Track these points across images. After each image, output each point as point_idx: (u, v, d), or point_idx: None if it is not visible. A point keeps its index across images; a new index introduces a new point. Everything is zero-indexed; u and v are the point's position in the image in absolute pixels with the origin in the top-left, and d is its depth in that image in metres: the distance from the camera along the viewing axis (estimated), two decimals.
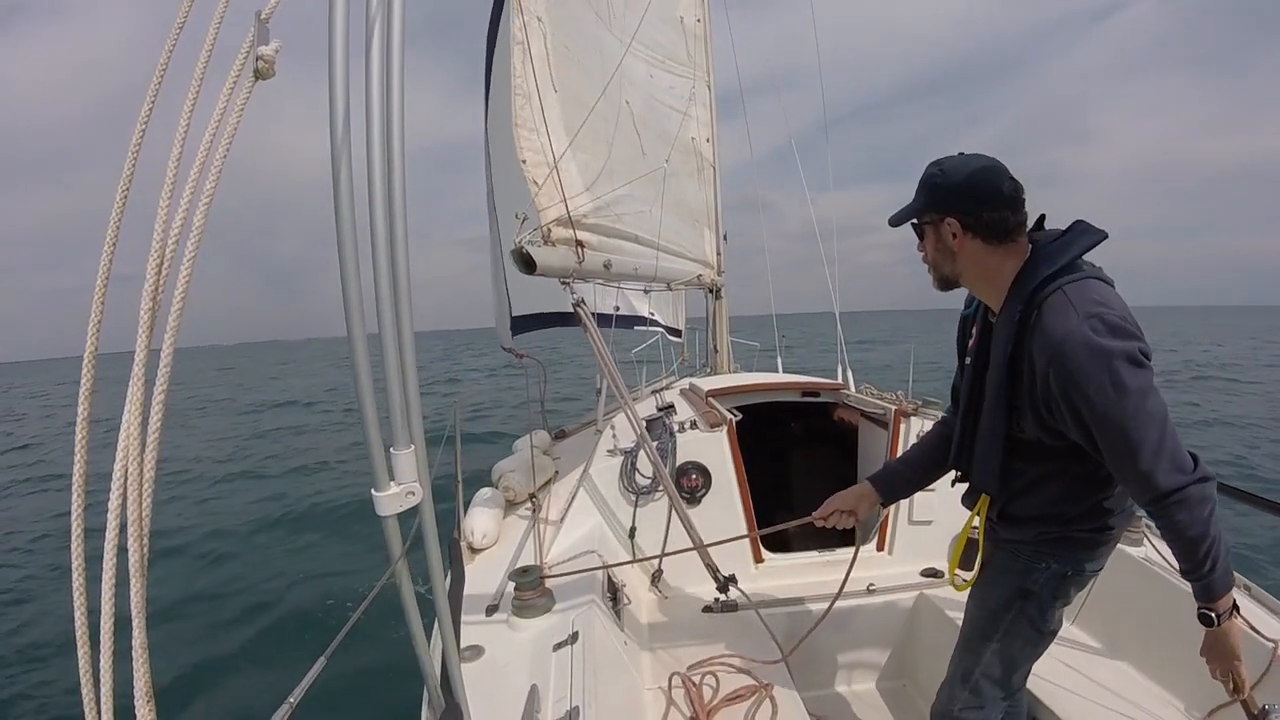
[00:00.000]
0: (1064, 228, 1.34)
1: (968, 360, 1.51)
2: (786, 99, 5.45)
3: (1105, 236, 1.28)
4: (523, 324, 3.90)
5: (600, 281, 2.88)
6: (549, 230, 2.35)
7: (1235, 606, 1.27)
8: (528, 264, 2.23)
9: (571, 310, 2.39)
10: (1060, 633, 1.54)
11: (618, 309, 4.17)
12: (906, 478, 1.76)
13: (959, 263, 1.36)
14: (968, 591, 1.61)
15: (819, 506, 1.75)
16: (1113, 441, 1.19)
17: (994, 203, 1.29)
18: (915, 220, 1.40)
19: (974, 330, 1.49)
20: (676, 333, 5.37)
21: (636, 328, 4.89)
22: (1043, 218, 1.38)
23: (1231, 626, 1.26)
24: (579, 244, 2.42)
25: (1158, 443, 1.16)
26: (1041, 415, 1.29)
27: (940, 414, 2.89)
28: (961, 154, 1.36)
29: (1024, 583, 1.44)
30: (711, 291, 4.80)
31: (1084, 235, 1.30)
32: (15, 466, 12.44)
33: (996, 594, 1.49)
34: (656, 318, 4.98)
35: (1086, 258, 1.30)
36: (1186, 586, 1.93)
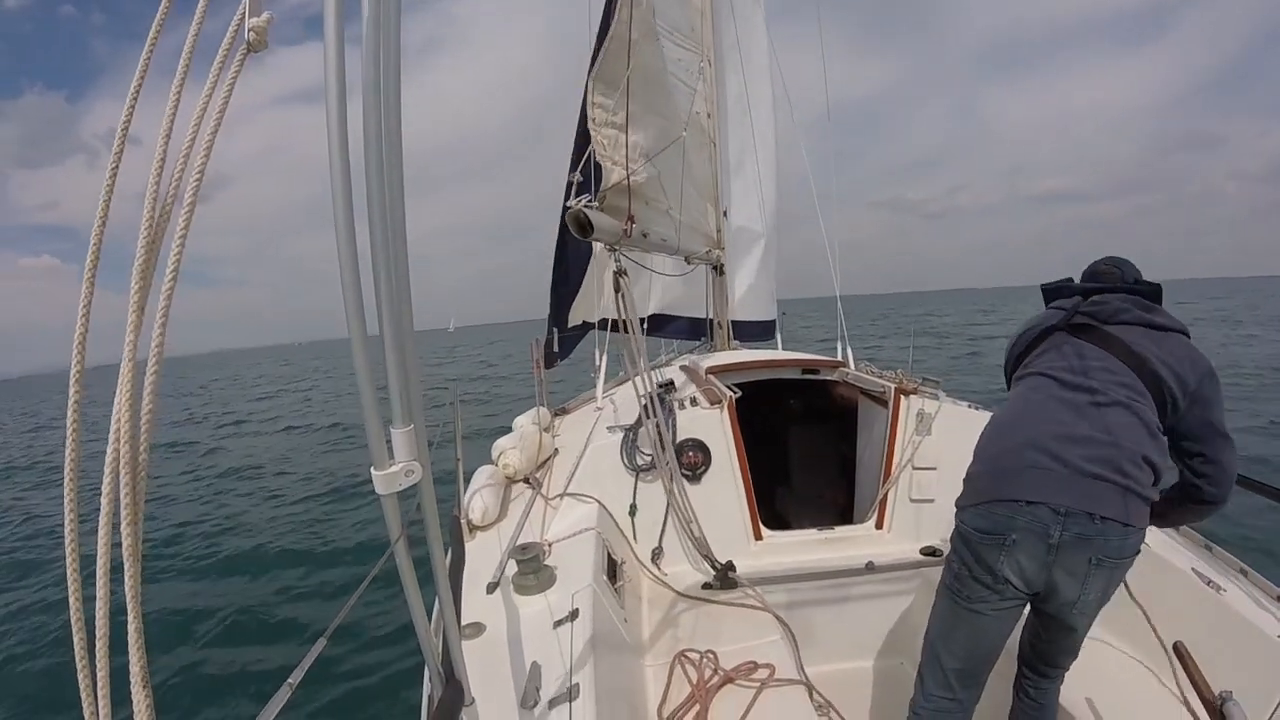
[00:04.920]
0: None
1: None
2: None
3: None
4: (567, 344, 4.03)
5: (635, 255, 2.94)
6: (605, 196, 2.38)
7: None
8: (583, 227, 2.22)
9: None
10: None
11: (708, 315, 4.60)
12: None
13: None
14: None
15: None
16: None
17: None
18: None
19: None
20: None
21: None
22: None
23: None
24: (630, 216, 2.42)
25: None
26: None
27: (940, 392, 2.87)
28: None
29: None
30: (714, 268, 4.77)
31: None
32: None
33: None
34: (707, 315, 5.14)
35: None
36: (1183, 567, 1.94)
